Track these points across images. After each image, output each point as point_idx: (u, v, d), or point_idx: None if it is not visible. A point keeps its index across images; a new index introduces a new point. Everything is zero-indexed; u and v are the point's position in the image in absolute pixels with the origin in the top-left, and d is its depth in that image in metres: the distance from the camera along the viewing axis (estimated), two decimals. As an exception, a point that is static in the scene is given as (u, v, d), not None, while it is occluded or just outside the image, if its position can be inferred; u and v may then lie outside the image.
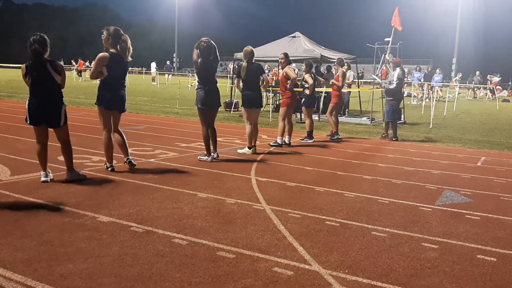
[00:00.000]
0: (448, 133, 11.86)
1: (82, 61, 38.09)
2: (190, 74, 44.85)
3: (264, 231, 4.02)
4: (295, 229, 4.09)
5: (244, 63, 7.70)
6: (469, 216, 4.75)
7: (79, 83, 30.90)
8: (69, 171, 5.47)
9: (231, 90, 17.60)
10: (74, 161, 5.58)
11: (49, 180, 5.31)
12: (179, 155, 7.43)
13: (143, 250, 3.48)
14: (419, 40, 61.70)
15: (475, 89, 31.51)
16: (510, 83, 36.23)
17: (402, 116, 13.86)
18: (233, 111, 15.10)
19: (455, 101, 20.88)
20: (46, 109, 5.18)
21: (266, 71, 28.19)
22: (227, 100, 16.08)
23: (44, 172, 5.33)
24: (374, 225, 4.31)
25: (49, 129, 5.34)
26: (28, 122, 5.24)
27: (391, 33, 11.57)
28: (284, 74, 8.60)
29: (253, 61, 7.74)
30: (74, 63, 39.69)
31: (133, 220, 4.14)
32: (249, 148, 7.78)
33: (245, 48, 7.78)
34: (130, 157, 6.17)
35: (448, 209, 5.00)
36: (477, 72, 31.60)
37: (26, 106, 5.21)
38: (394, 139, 10.06)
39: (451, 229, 4.31)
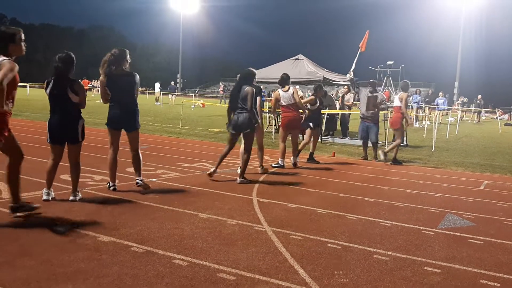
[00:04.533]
0: (450, 156, 11.84)
1: (87, 81, 38.45)
2: (193, 94, 45.21)
3: (265, 253, 3.99)
4: (296, 252, 4.05)
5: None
6: (472, 240, 4.71)
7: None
8: (74, 192, 5.43)
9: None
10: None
11: (50, 199, 5.30)
12: (181, 175, 7.43)
13: (143, 271, 3.46)
14: (421, 64, 62.12)
15: (478, 113, 31.59)
16: None
17: (405, 138, 13.88)
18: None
19: (457, 124, 20.90)
20: (63, 126, 5.22)
21: (265, 93, 28.32)
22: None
23: (47, 191, 5.32)
24: (376, 248, 4.28)
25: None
26: (48, 141, 5.32)
27: (355, 54, 11.69)
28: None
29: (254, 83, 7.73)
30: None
31: (133, 240, 4.12)
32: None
33: (249, 70, 7.74)
34: (140, 179, 6.14)
35: (451, 233, 4.96)
36: (479, 96, 31.73)
37: (47, 125, 5.31)
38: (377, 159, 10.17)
39: (454, 253, 4.27)
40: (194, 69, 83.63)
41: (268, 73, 15.91)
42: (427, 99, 27.07)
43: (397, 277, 3.63)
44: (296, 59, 15.95)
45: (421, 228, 5.07)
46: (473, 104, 31.44)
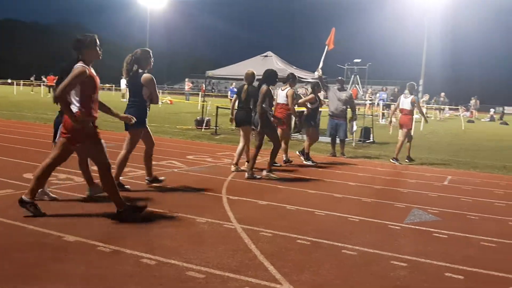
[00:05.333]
0: (415, 152, 12.10)
1: (52, 76, 37.33)
2: (160, 91, 44.65)
3: (235, 250, 3.97)
4: (266, 248, 4.05)
5: (245, 86, 7.87)
6: (437, 235, 4.82)
7: (47, 99, 30.27)
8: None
9: (202, 108, 17.57)
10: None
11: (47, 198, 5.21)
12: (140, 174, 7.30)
13: (111, 271, 3.38)
14: (387, 62, 63.33)
15: (440, 110, 32.44)
16: (472, 103, 37.40)
17: (371, 135, 14.12)
18: (204, 128, 15.04)
19: (422, 121, 21.41)
20: (56, 125, 5.19)
21: (233, 89, 28.28)
22: (198, 117, 16.03)
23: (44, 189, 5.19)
24: (345, 244, 4.32)
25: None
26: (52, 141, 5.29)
27: (323, 52, 11.79)
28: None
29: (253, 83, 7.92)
30: (44, 79, 38.98)
31: (100, 239, 4.03)
32: (235, 164, 7.94)
33: (246, 71, 8.07)
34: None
35: (417, 227, 5.07)
36: (442, 94, 32.59)
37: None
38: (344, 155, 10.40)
39: (420, 248, 4.36)
40: (162, 65, 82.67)
41: (237, 70, 15.87)
42: (392, 97, 27.61)
43: (365, 271, 3.68)
44: (265, 56, 15.97)
45: (388, 223, 5.16)
46: (433, 101, 32.30)
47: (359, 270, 3.71)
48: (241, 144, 7.88)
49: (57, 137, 5.09)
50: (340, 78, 11.12)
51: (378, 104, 26.83)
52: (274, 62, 15.43)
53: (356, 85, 17.58)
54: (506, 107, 57.20)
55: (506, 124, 30.55)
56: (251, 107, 7.65)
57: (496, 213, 5.91)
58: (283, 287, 3.27)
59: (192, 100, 29.86)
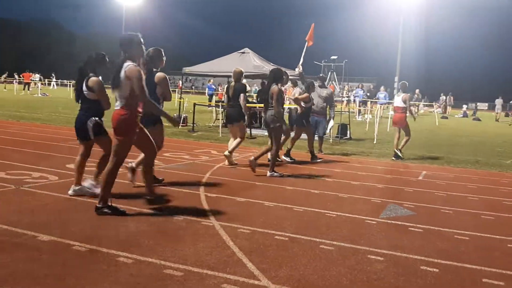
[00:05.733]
0: (391, 148, 12.27)
1: (28, 74, 36.46)
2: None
3: (213, 247, 3.96)
4: (244, 245, 4.05)
5: (232, 83, 8.20)
6: (412, 229, 4.90)
7: (21, 97, 29.62)
8: (90, 180, 5.50)
9: (179, 105, 17.45)
10: (13, 177, 5.32)
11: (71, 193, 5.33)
12: (123, 170, 7.21)
13: (87, 270, 3.33)
14: (363, 59, 63.97)
15: (415, 106, 32.97)
16: (443, 98, 38.16)
17: (348, 132, 14.26)
18: (181, 125, 14.94)
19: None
20: (77, 123, 5.33)
21: (211, 86, 28.11)
22: (175, 114, 15.91)
23: (75, 185, 5.38)
24: (322, 239, 4.36)
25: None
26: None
27: (303, 48, 11.83)
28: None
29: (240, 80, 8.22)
30: (17, 76, 38.09)
31: (75, 238, 3.96)
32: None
33: (234, 69, 8.32)
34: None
35: (393, 222, 5.14)
36: (417, 90, 33.11)
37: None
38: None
39: (395, 242, 4.43)
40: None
41: (214, 66, 15.82)
42: (368, 94, 27.93)
43: (342, 266, 3.72)
44: (243, 52, 15.94)
45: (364, 218, 5.23)
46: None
47: (336, 264, 3.75)
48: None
49: (90, 135, 5.27)
50: (321, 75, 11.16)
51: (354, 101, 27.07)
52: (251, 59, 15.43)
53: (333, 81, 17.73)
54: (478, 103, 58.57)
55: (479, 120, 31.27)
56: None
57: (470, 207, 6.04)
58: (261, 283, 3.28)
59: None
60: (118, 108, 4.67)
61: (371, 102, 26.04)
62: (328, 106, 10.52)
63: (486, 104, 59.54)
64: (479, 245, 4.51)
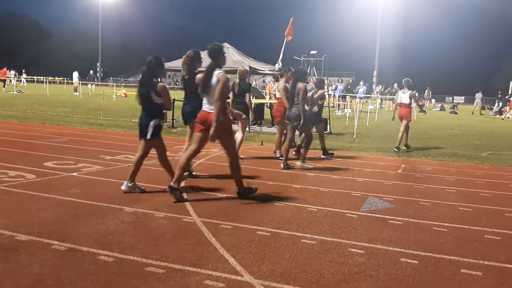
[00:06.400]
0: (370, 142, 12.41)
1: (5, 70, 35.56)
2: (114, 84, 43.57)
3: (195, 244, 3.95)
4: (226, 241, 4.05)
5: (237, 80, 8.48)
6: (392, 221, 4.97)
7: (-6, 94, 28.95)
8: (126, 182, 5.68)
9: (159, 101, 17.24)
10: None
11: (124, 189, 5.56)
12: (103, 168, 7.14)
13: (66, 270, 3.28)
14: (343, 54, 64.33)
15: (393, 100, 33.36)
16: (423, 94, 38.70)
17: (328, 126, 14.34)
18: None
19: (376, 111, 21.95)
20: (141, 124, 5.65)
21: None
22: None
23: (127, 182, 5.62)
24: (304, 233, 4.38)
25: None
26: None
27: (283, 43, 11.83)
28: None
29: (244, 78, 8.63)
30: None
31: (54, 237, 3.90)
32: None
33: (239, 67, 8.85)
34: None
35: (373, 215, 5.20)
36: (395, 85, 33.51)
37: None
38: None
39: (376, 234, 4.48)
40: (115, 58, 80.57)
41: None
42: (349, 87, 28.11)
43: (324, 259, 3.74)
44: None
45: (345, 211, 5.27)
46: (388, 92, 33.17)
47: (318, 258, 3.77)
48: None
49: (148, 135, 5.56)
50: (304, 71, 11.12)
51: (334, 95, 27.23)
52: (231, 54, 15.37)
53: (313, 76, 17.79)
54: (455, 97, 59.61)
55: (456, 113, 31.81)
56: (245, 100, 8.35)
57: (447, 199, 6.15)
58: (243, 279, 3.28)
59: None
60: (209, 110, 5.34)
61: (351, 96, 26.23)
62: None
63: (463, 97, 60.62)
64: (458, 236, 4.59)
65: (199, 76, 5.86)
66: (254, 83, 26.60)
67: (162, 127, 5.77)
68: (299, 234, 4.35)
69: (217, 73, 5.23)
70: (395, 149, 10.66)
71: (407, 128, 10.97)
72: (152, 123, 5.56)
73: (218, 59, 5.36)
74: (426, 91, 38.57)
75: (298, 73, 8.09)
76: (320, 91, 9.41)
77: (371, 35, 51.85)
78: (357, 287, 3.25)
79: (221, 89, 5.18)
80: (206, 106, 5.44)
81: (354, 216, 5.13)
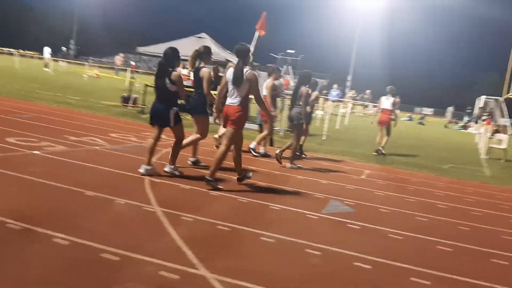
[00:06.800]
0: (339, 145, 12.58)
1: None
2: (87, 63, 42.60)
3: (153, 234, 3.93)
4: (185, 233, 4.04)
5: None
6: (351, 225, 5.06)
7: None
8: (168, 165, 6.19)
9: (130, 84, 17.04)
10: None
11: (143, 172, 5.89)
12: (67, 149, 6.99)
13: (20, 250, 3.21)
14: (319, 55, 64.76)
15: (365, 106, 33.88)
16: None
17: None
18: (131, 106, 14.61)
19: (347, 115, 22.25)
20: (158, 112, 5.98)
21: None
22: (125, 94, 15.55)
23: (147, 165, 5.97)
24: (264, 231, 4.41)
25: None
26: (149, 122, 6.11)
27: (254, 36, 11.79)
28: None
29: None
30: None
31: (9, 216, 3.80)
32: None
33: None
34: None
35: (333, 217, 5.29)
36: (368, 91, 34.05)
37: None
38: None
39: (334, 237, 4.56)
40: (93, 37, 78.66)
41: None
42: (324, 91, 28.36)
43: (280, 258, 3.79)
44: (200, 37, 15.80)
45: (306, 212, 5.34)
46: (359, 98, 33.71)
47: (275, 257, 3.82)
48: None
49: (171, 123, 5.94)
50: (272, 65, 11.14)
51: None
52: (208, 44, 15.29)
53: (288, 75, 17.86)
54: (424, 108, 60.94)
55: (423, 124, 32.56)
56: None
57: (405, 208, 6.31)
58: (199, 272, 3.29)
59: (122, 76, 28.82)
60: (235, 105, 5.76)
61: (324, 99, 26.46)
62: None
63: (432, 109, 62.02)
64: (412, 245, 4.72)
65: (174, 73, 6.02)
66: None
67: (180, 114, 6.13)
68: (259, 232, 4.38)
69: (246, 71, 5.75)
70: (379, 152, 11.53)
71: (389, 133, 11.79)
72: (171, 112, 5.92)
73: (246, 58, 5.87)
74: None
75: (303, 77, 8.47)
76: (314, 93, 9.72)
77: (350, 40, 52.41)
78: (310, 288, 3.31)
79: (255, 86, 5.82)
80: (229, 100, 5.87)
81: (315, 217, 5.20)
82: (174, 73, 5.84)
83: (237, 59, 5.81)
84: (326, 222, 5.10)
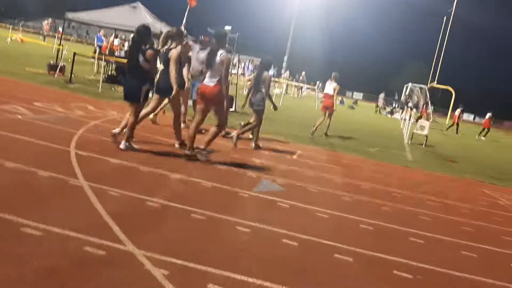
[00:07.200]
0: (272, 125, 12.70)
1: None
2: (11, 26, 39.70)
3: (78, 208, 3.78)
4: (112, 208, 3.93)
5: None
6: (280, 204, 5.17)
7: None
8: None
9: (58, 52, 16.12)
10: None
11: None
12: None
13: None
14: (256, 33, 64.75)
15: (299, 88, 34.48)
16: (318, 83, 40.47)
17: (234, 104, 14.43)
18: (57, 75, 13.86)
19: (282, 96, 22.53)
20: (129, 88, 6.09)
21: (101, 37, 26.28)
22: (51, 62, 14.71)
23: (125, 141, 6.12)
24: (195, 208, 4.40)
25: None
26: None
27: (186, 9, 11.57)
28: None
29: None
30: None
31: None
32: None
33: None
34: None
35: (264, 196, 5.37)
36: (303, 73, 34.62)
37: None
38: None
39: (263, 215, 4.64)
40: (17, -1, 73.15)
41: (102, 16, 14.86)
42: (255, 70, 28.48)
43: (210, 235, 3.80)
44: (134, 7, 15.17)
45: (238, 190, 5.38)
46: (294, 79, 34.26)
47: (205, 233, 3.82)
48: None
49: (141, 100, 6.07)
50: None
51: (243, 74, 27.50)
52: (143, 15, 14.78)
53: (227, 52, 17.64)
54: (355, 93, 63.11)
55: (353, 108, 33.75)
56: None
57: (333, 188, 6.54)
58: (126, 248, 3.22)
59: (49, 42, 27.17)
60: (213, 84, 6.23)
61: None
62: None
63: (361, 94, 64.30)
64: (336, 223, 4.92)
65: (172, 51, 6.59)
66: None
67: (149, 91, 6.35)
68: (189, 209, 4.36)
69: (220, 53, 6.19)
70: (311, 135, 11.89)
71: (331, 117, 12.49)
72: (143, 88, 6.03)
73: (222, 42, 6.36)
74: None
75: (265, 63, 8.67)
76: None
77: (287, 19, 52.66)
78: (239, 264, 3.35)
79: (227, 68, 6.27)
80: (206, 80, 6.28)
81: (246, 195, 5.26)
82: (149, 51, 5.99)
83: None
84: (257, 200, 5.17)
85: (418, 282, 3.73)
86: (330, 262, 3.77)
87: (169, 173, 5.50)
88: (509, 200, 8.26)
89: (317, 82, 39.01)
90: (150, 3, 16.92)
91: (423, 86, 29.50)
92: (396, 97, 38.22)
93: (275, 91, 25.17)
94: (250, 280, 3.14)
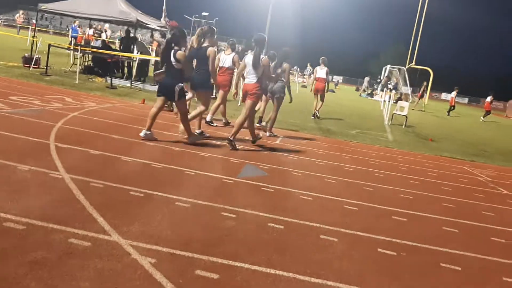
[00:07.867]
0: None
1: None
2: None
3: (61, 201, 3.74)
4: (96, 200, 3.90)
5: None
6: (265, 189, 5.20)
7: None
8: (189, 137, 6.88)
9: (32, 44, 15.77)
10: None
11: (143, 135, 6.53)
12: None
13: None
14: (235, 19, 64.27)
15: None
16: (310, 69, 40.54)
17: (214, 91, 14.34)
18: (33, 67, 13.58)
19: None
20: (166, 86, 6.54)
21: (76, 27, 25.69)
22: (26, 54, 14.40)
23: (147, 130, 6.62)
24: (179, 196, 4.39)
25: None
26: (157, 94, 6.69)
27: None
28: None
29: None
30: None
31: None
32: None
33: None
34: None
35: (248, 181, 5.38)
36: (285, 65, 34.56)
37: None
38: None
39: (248, 200, 4.66)
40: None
41: (76, 6, 14.55)
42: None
43: (196, 223, 3.80)
44: (109, -5, 14.88)
45: (222, 177, 5.38)
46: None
47: (191, 221, 3.82)
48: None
49: (176, 97, 6.50)
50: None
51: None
52: (118, 3, 14.50)
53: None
54: (335, 76, 63.31)
55: (333, 91, 33.88)
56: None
57: (316, 171, 6.59)
58: (111, 238, 3.21)
59: (23, 34, 26.54)
60: (253, 82, 7.21)
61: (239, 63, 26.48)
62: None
63: (341, 77, 64.58)
64: (320, 205, 4.96)
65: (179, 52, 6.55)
66: (140, 38, 25.50)
67: (184, 90, 6.65)
68: (174, 197, 4.35)
69: (262, 57, 7.25)
70: (314, 115, 13.27)
71: (322, 99, 13.52)
72: (176, 87, 6.38)
73: (262, 46, 7.27)
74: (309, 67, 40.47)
75: (284, 54, 9.35)
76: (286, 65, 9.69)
77: (266, 5, 52.35)
78: (226, 250, 3.37)
79: (268, 71, 7.39)
80: (247, 80, 7.31)
81: (231, 182, 5.26)
82: (179, 52, 6.35)
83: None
84: (241, 186, 5.18)
85: (402, 258, 3.80)
86: (316, 243, 3.81)
87: (151, 162, 5.46)
88: (489, 176, 8.45)
89: (309, 67, 39.43)
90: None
91: (402, 67, 29.75)
92: (380, 79, 38.76)
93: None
94: (238, 264, 3.16)
